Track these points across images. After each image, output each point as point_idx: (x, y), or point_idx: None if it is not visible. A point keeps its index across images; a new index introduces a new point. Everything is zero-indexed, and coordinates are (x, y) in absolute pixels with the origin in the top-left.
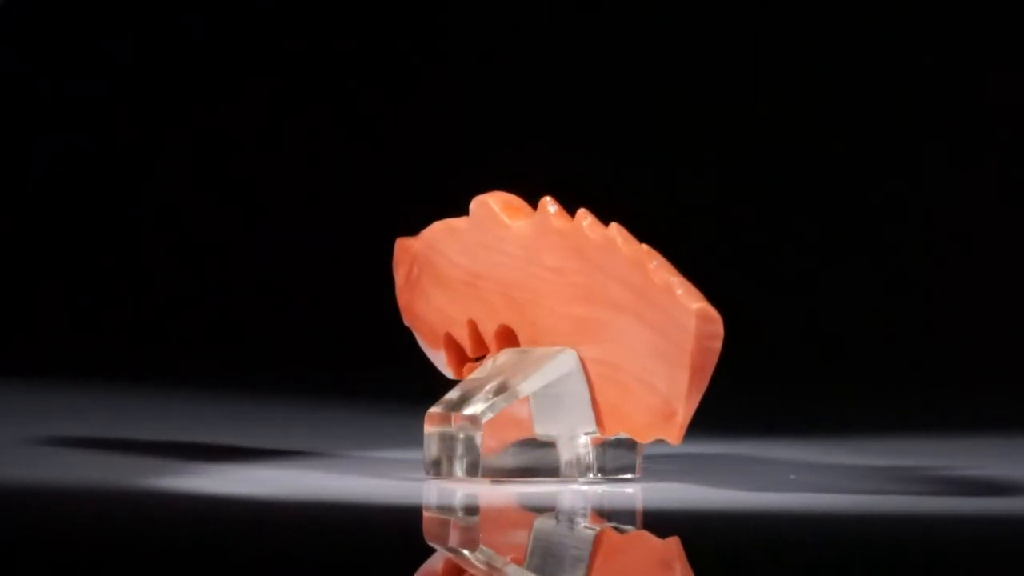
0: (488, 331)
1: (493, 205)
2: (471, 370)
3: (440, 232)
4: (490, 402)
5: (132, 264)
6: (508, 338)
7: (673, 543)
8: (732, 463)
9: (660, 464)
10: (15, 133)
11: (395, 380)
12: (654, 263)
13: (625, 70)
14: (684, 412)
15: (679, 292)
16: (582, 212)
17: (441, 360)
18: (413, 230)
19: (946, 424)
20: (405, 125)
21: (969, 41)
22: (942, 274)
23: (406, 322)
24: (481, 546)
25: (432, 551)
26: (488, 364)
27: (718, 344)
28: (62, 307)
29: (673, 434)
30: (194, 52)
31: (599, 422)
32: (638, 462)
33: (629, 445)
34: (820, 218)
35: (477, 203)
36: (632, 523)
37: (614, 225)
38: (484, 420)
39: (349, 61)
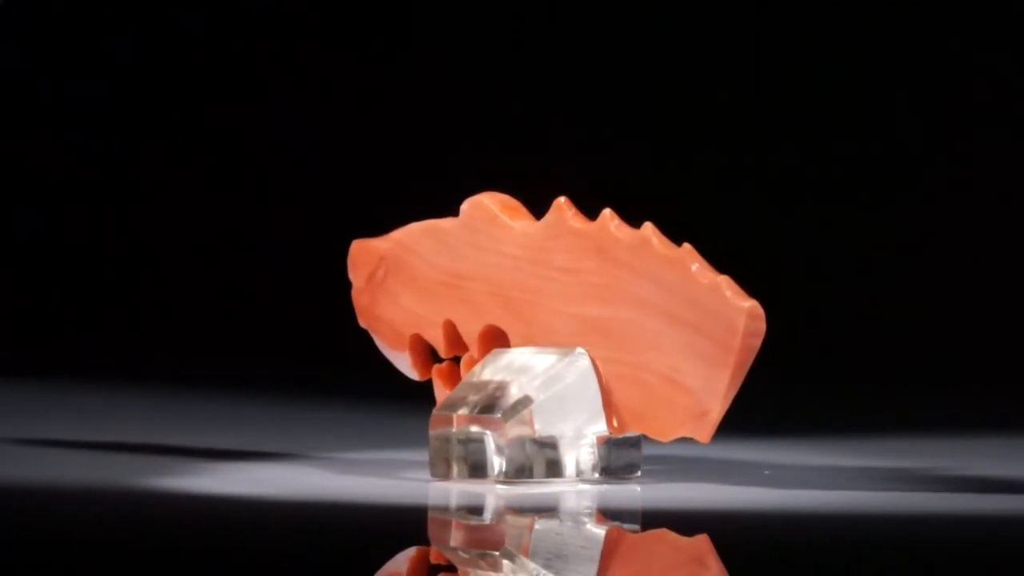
0: (471, 331)
1: (491, 206)
2: (440, 372)
3: (417, 233)
4: (501, 405)
5: (132, 264)
6: (496, 338)
7: (702, 540)
8: (732, 463)
9: (659, 465)
10: (15, 133)
11: (395, 380)
12: (695, 265)
13: (622, 70)
14: (718, 411)
15: (728, 293)
16: (608, 213)
17: (405, 362)
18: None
19: (946, 424)
20: (403, 126)
21: (968, 39)
22: (942, 274)
23: (363, 324)
24: (505, 546)
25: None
26: (480, 365)
27: (758, 342)
28: (62, 307)
29: (704, 433)
30: (194, 52)
31: (611, 421)
32: (640, 461)
33: (633, 444)
34: (821, 216)
35: (471, 204)
36: (652, 523)
37: (648, 225)
38: (506, 422)
39: (347, 61)
